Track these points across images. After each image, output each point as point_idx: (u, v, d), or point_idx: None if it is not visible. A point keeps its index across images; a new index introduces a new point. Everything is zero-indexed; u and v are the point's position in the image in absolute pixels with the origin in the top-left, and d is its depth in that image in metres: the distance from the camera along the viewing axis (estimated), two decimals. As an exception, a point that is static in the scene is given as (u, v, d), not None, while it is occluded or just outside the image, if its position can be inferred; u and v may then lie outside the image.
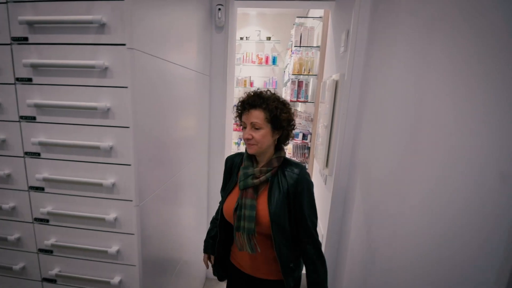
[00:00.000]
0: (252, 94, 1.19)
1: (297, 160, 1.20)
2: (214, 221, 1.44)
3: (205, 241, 1.45)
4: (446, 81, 0.81)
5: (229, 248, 1.38)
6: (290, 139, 1.27)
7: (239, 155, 1.34)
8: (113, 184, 1.09)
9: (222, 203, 1.31)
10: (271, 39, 5.13)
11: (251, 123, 1.14)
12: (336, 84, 1.84)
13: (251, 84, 5.23)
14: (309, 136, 2.94)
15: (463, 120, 0.72)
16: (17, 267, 1.27)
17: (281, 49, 5.22)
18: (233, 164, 1.34)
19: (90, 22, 0.95)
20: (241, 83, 5.14)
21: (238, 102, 1.21)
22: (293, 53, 3.17)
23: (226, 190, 1.31)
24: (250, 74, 5.25)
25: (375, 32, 1.49)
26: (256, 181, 1.18)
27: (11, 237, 1.24)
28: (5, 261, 1.29)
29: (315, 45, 2.99)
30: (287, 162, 1.22)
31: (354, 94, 1.69)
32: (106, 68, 1.00)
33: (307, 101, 3.00)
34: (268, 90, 1.21)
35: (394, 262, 1.06)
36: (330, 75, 2.23)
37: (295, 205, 1.16)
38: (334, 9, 2.27)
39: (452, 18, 0.80)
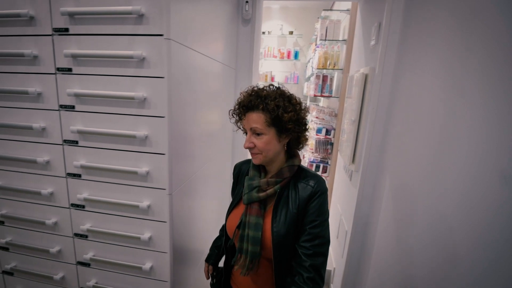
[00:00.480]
0: (249, 93, 1.01)
1: (314, 171, 1.07)
2: (223, 229, 1.31)
3: (210, 249, 1.34)
4: (486, 84, 0.77)
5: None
6: (305, 142, 1.05)
7: (247, 162, 1.18)
8: (147, 173, 1.12)
9: (226, 217, 1.15)
10: (294, 33, 5.08)
11: (251, 128, 0.98)
12: (366, 78, 1.81)
13: (272, 79, 5.21)
14: (332, 131, 2.90)
15: (501, 124, 0.69)
16: (53, 250, 1.33)
17: (303, 43, 5.16)
18: (240, 173, 1.18)
19: (130, 12, 0.97)
20: (262, 77, 5.14)
21: (235, 105, 1.04)
22: (317, 46, 3.12)
23: (230, 203, 1.16)
24: (271, 69, 5.24)
25: (409, 25, 1.45)
26: (262, 194, 1.00)
27: (49, 221, 1.29)
28: (42, 244, 1.35)
29: (341, 38, 2.94)
30: (303, 173, 1.04)
31: (385, 88, 1.65)
32: (143, 59, 1.02)
33: (331, 96, 2.96)
34: (270, 84, 1.03)
35: (424, 266, 1.03)
36: (358, 69, 2.19)
37: (303, 222, 0.99)
38: (364, 2, 2.21)
39: (493, 15, 0.77)
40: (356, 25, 2.57)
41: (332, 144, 2.93)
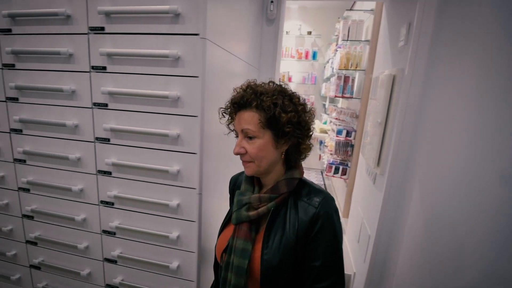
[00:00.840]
0: (243, 88, 0.85)
1: (319, 187, 0.89)
2: None
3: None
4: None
5: None
6: (307, 152, 0.87)
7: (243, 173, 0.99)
8: (178, 172, 1.12)
9: (217, 237, 0.99)
10: (312, 33, 5.03)
11: (242, 130, 0.82)
12: (393, 79, 1.77)
13: (290, 79, 5.18)
14: (353, 133, 2.86)
15: None
16: (81, 246, 1.34)
17: (321, 43, 5.11)
18: (235, 186, 1.02)
19: (167, 12, 0.97)
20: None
21: (227, 102, 0.88)
22: (339, 47, 3.08)
23: (222, 222, 1.01)
24: (289, 69, 5.21)
25: (442, 26, 1.40)
26: (252, 213, 0.83)
27: (78, 218, 1.31)
28: (71, 240, 1.37)
29: (363, 39, 2.89)
30: (305, 188, 0.85)
31: (415, 90, 1.60)
32: (178, 58, 1.02)
33: (352, 97, 2.91)
34: (270, 81, 0.87)
35: (460, 276, 0.99)
36: (383, 70, 2.15)
37: (305, 253, 0.80)
38: (390, 1, 2.17)
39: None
40: (380, 25, 2.52)
41: (352, 146, 2.88)
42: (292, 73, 5.24)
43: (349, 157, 2.96)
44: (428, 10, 1.53)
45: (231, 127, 0.90)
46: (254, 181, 0.91)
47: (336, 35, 3.83)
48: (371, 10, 2.73)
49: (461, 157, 1.12)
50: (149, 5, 0.99)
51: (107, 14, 1.04)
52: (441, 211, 1.25)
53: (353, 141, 2.89)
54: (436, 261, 1.23)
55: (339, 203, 3.54)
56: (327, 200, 0.82)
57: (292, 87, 5.43)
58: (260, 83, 0.86)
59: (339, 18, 3.87)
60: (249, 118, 0.80)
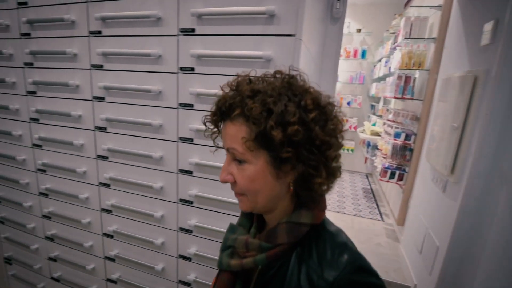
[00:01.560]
0: (232, 84, 0.57)
1: (344, 239, 0.57)
2: None
3: None
4: None
5: None
6: (322, 187, 0.55)
7: None
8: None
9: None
10: (361, 31, 4.86)
11: (228, 149, 0.56)
12: (474, 81, 1.63)
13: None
14: (413, 136, 2.71)
15: None
16: (85, 221, 1.53)
17: (371, 41, 4.92)
18: None
19: (263, 13, 0.96)
20: (325, 77, 5.00)
21: (212, 107, 0.58)
22: (398, 46, 2.94)
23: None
24: (336, 68, 5.07)
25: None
26: (235, 263, 0.60)
27: (82, 196, 1.49)
28: (75, 215, 1.56)
29: (427, 36, 2.73)
30: (319, 241, 0.56)
31: (503, 93, 1.47)
32: (270, 59, 1.00)
33: (412, 98, 2.76)
34: (277, 71, 0.58)
35: None
36: (455, 70, 2.00)
37: None
38: (466, -4, 2.01)
39: None
40: (450, 22, 2.36)
41: (411, 150, 2.74)
42: (339, 72, 5.09)
43: (406, 161, 2.81)
44: (523, 5, 1.39)
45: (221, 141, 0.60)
46: (255, 214, 0.66)
47: (392, 33, 3.66)
48: (438, 6, 2.56)
49: None
50: (244, 6, 0.98)
51: (200, 15, 1.05)
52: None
53: (412, 145, 2.74)
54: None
55: (392, 209, 3.38)
56: (354, 271, 0.51)
57: (338, 86, 5.27)
58: (263, 74, 0.58)
59: (395, 14, 3.69)
60: (234, 133, 0.54)
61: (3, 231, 1.85)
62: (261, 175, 0.54)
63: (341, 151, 0.58)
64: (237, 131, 0.53)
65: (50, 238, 1.67)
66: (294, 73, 0.58)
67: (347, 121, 4.95)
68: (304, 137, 0.50)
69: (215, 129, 0.60)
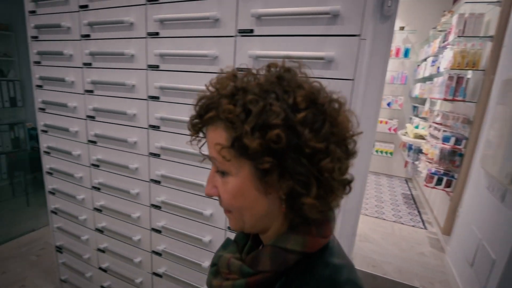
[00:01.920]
0: (213, 82, 0.49)
1: (343, 262, 0.48)
2: None
3: None
4: None
5: None
6: (316, 210, 0.44)
7: None
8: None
9: None
10: (405, 28, 4.65)
11: (209, 158, 0.50)
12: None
13: (376, 78, 4.87)
14: (463, 141, 2.55)
15: None
16: (134, 215, 1.57)
17: (415, 39, 4.69)
18: None
19: (327, 13, 0.93)
20: (365, 76, 4.85)
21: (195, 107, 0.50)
22: (450, 44, 2.77)
23: None
24: (376, 68, 4.90)
25: None
26: (216, 284, 0.53)
27: (133, 191, 1.53)
28: (125, 209, 1.61)
29: (482, 34, 2.55)
30: (308, 274, 0.46)
31: None
32: (332, 60, 0.97)
33: (464, 100, 2.60)
34: (271, 64, 0.51)
35: None
36: (519, 71, 1.85)
37: None
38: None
39: None
40: (511, 18, 2.18)
41: (461, 155, 2.58)
42: (378, 72, 4.92)
43: (455, 167, 2.65)
44: None
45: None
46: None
47: (440, 30, 3.47)
48: (497, 1, 2.38)
49: None
50: (307, 7, 0.96)
51: (259, 16, 1.04)
52: None
53: (462, 149, 2.58)
54: None
55: (436, 217, 3.20)
56: None
57: (378, 86, 5.06)
58: (254, 69, 0.51)
59: (444, 11, 3.49)
60: (212, 139, 0.47)
61: (56, 221, 1.97)
62: (244, 189, 0.46)
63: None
64: (215, 137, 0.46)
65: (100, 230, 1.75)
66: (293, 65, 0.49)
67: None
68: (288, 144, 0.41)
69: (198, 135, 0.52)
